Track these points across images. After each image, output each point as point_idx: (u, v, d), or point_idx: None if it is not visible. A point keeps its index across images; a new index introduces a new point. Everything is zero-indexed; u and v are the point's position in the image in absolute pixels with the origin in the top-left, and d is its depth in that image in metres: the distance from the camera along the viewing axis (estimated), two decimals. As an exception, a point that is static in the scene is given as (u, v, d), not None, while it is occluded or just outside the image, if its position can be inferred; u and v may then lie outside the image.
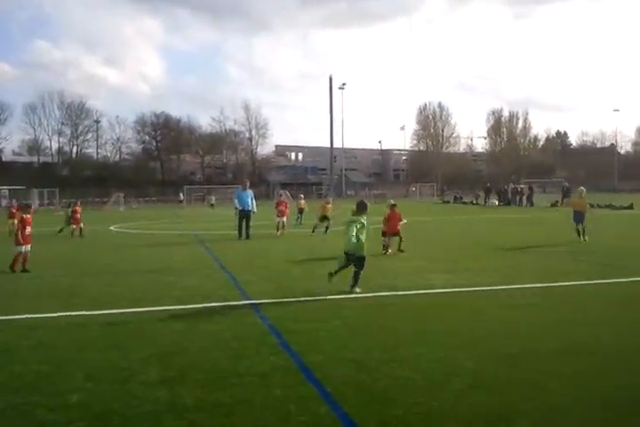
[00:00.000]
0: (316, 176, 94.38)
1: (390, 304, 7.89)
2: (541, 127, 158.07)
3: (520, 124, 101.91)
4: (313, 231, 19.55)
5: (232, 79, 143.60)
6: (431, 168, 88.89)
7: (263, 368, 5.08)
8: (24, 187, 58.48)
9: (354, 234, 8.69)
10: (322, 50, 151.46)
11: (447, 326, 6.62)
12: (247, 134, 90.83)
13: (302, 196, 27.67)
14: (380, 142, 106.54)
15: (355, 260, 8.78)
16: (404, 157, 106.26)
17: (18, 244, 11.54)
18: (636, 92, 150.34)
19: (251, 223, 18.68)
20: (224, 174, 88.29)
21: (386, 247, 13.56)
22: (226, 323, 6.88)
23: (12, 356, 5.75)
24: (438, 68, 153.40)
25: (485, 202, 47.38)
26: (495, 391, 4.48)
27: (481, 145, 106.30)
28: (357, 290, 8.58)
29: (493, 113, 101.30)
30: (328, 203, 20.86)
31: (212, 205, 53.79)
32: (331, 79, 79.44)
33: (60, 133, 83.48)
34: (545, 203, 42.07)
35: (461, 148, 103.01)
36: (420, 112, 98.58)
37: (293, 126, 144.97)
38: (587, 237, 15.22)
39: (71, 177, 76.10)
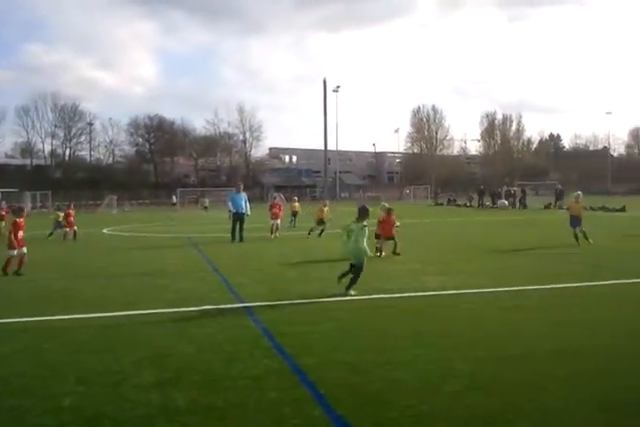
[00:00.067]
0: (310, 179, 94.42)
1: (384, 307, 7.88)
2: (535, 130, 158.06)
3: (513, 127, 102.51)
4: (309, 233, 19.55)
5: (227, 81, 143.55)
6: (425, 171, 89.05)
7: (257, 371, 5.05)
8: (17, 190, 58.21)
9: (361, 246, 8.76)
10: (317, 52, 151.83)
11: (442, 327, 6.62)
12: (241, 137, 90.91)
13: (296, 198, 27.63)
14: (374, 145, 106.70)
15: (356, 266, 8.82)
16: (397, 160, 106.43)
17: (11, 248, 11.46)
18: (629, 95, 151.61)
19: (244, 226, 18.66)
20: (218, 177, 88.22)
21: (379, 250, 13.58)
22: (219, 326, 6.85)
23: (3, 359, 5.71)
24: (432, 72, 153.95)
25: (479, 204, 47.48)
26: (491, 393, 4.46)
27: (474, 148, 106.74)
28: (352, 293, 8.57)
29: (487, 116, 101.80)
30: (325, 206, 20.85)
31: (205, 207, 53.70)
32: (325, 82, 79.54)
33: (53, 136, 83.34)
34: (538, 205, 42.24)
35: (455, 150, 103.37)
36: (414, 115, 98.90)
37: (288, 129, 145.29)
38: (590, 240, 15.10)
39: (64, 180, 75.84)
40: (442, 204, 56.12)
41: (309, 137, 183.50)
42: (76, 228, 20.87)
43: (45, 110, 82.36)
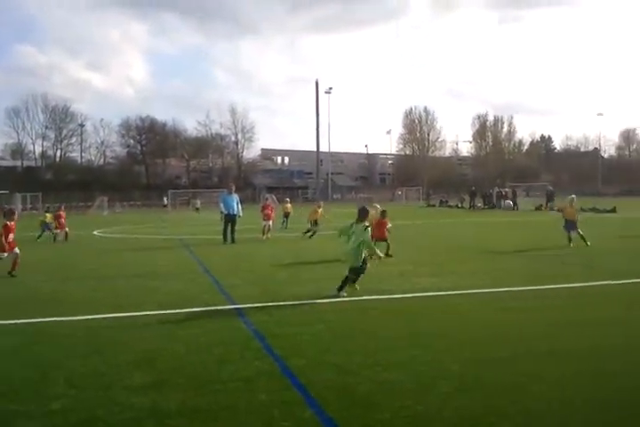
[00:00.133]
0: (303, 180, 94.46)
1: (375, 308, 7.87)
2: (526, 131, 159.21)
3: (505, 129, 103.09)
4: (308, 234, 19.55)
5: (219, 83, 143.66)
6: (417, 172, 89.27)
7: (247, 373, 5.04)
8: (7, 191, 57.88)
9: (360, 252, 8.79)
10: (310, 54, 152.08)
11: (433, 329, 6.62)
12: (233, 138, 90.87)
13: (288, 200, 27.65)
14: (366, 146, 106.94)
15: (355, 271, 8.85)
16: (390, 161, 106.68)
17: (1, 251, 11.39)
18: (620, 97, 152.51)
19: (236, 227, 18.63)
20: (210, 178, 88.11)
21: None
22: (210, 327, 6.83)
23: (-9, 362, 5.67)
24: (424, 73, 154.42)
25: (471, 206, 47.60)
26: (482, 395, 4.47)
27: (466, 149, 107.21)
28: (344, 294, 8.57)
29: (478, 117, 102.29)
30: (319, 207, 20.84)
31: (197, 209, 53.58)
32: (317, 83, 79.62)
33: (43, 137, 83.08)
34: (529, 206, 42.41)
35: (447, 152, 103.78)
36: (406, 116, 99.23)
37: (281, 131, 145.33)
38: (588, 242, 15.06)
39: (55, 181, 75.53)
40: (434, 205, 56.24)
41: (302, 139, 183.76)
42: (67, 229, 20.77)
43: (36, 111, 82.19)
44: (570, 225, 15.55)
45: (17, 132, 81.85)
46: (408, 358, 5.40)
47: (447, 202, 55.99)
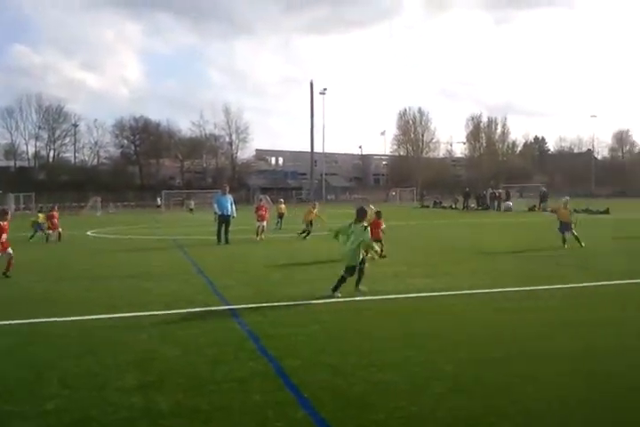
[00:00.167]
0: (297, 181, 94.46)
1: (370, 309, 7.88)
2: (520, 133, 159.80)
3: (499, 130, 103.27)
4: (304, 236, 19.54)
5: (214, 83, 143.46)
6: (411, 173, 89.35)
7: (242, 374, 5.04)
8: (0, 191, 57.64)
9: (358, 252, 8.86)
10: (305, 55, 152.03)
11: (427, 329, 6.64)
12: (227, 139, 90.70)
13: (282, 200, 27.66)
14: (360, 147, 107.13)
15: (352, 269, 8.87)
16: (384, 162, 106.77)
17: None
18: (614, 99, 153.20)
19: (230, 228, 18.61)
20: (204, 179, 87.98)
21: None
22: (204, 328, 6.82)
23: (-16, 363, 5.64)
24: (419, 74, 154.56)
25: (464, 207, 47.70)
26: (475, 395, 4.48)
27: (460, 150, 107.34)
28: (338, 295, 8.57)
29: (472, 119, 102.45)
30: (314, 208, 20.83)
31: (191, 209, 53.48)
32: (312, 84, 79.65)
33: (37, 138, 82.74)
34: (523, 207, 42.53)
35: (441, 153, 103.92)
36: (400, 117, 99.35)
37: (276, 131, 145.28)
38: (583, 243, 15.06)
39: (48, 181, 75.25)
40: (427, 206, 56.31)
41: (296, 139, 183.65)
42: (60, 229, 20.70)
43: (30, 112, 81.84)
44: (564, 227, 15.59)
45: (10, 133, 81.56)
46: (402, 359, 5.41)
47: (441, 203, 56.07)
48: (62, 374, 5.17)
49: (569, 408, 4.22)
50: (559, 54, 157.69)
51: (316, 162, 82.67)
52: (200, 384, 4.80)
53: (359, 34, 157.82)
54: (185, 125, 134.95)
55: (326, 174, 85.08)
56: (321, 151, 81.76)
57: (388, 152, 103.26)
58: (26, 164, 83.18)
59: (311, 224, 19.96)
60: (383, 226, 14.36)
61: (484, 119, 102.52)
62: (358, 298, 8.50)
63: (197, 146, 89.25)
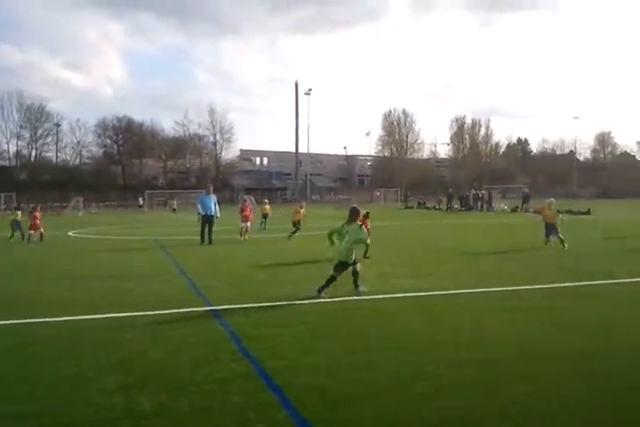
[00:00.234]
0: (281, 181, 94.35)
1: (355, 309, 7.86)
2: (503, 134, 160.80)
3: (482, 132, 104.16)
4: (290, 237, 19.48)
5: (199, 83, 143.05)
6: (395, 174, 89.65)
7: (223, 375, 4.99)
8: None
9: (352, 250, 8.90)
10: (290, 55, 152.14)
11: (412, 329, 6.63)
12: (211, 138, 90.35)
13: (267, 201, 27.58)
14: (345, 148, 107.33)
15: (346, 266, 8.84)
16: (368, 163, 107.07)
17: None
18: (596, 100, 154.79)
19: (214, 228, 18.51)
20: (187, 179, 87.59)
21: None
22: (186, 329, 6.76)
23: (-40, 365, 5.54)
24: (404, 75, 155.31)
25: (448, 207, 47.91)
26: (459, 395, 4.47)
27: (444, 151, 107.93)
28: (324, 295, 8.53)
29: (456, 120, 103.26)
30: (301, 208, 20.76)
31: (174, 209, 53.21)
32: (296, 85, 79.67)
33: (18, 137, 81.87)
34: (505, 208, 42.81)
35: (425, 154, 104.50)
36: (385, 118, 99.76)
37: (261, 132, 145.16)
38: (566, 245, 14.96)
39: (29, 181, 74.49)
40: (411, 207, 56.51)
41: (282, 139, 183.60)
42: (42, 230, 20.46)
43: (11, 110, 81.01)
44: (550, 229, 15.59)
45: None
46: (387, 359, 5.39)
47: (425, 203, 56.32)
48: (42, 375, 5.09)
49: (552, 407, 4.22)
50: (542, 57, 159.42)
51: (300, 162, 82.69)
52: (181, 386, 4.75)
53: (345, 34, 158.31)
54: (169, 125, 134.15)
55: (311, 175, 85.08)
56: (306, 152, 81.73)
57: (372, 153, 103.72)
58: (7, 163, 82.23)
59: (299, 224, 19.91)
60: (368, 226, 14.35)
61: (468, 121, 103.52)
62: (343, 298, 8.47)
63: (181, 146, 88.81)
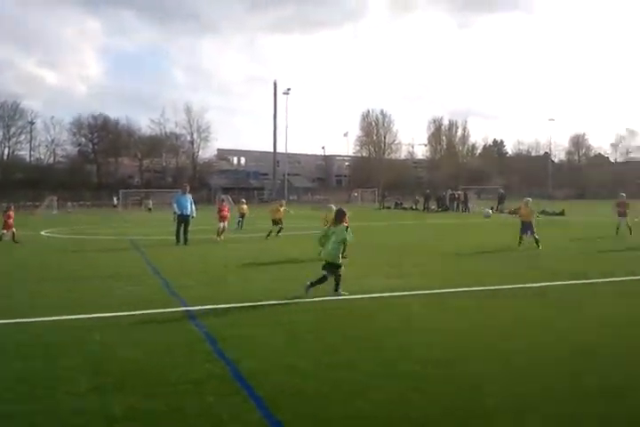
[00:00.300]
0: (259, 181, 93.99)
1: (331, 309, 7.86)
2: (479, 135, 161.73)
3: (459, 133, 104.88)
4: (277, 234, 19.39)
5: (177, 82, 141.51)
6: (373, 174, 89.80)
7: (197, 376, 4.94)
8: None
9: (339, 251, 8.89)
10: (269, 54, 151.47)
11: (387, 329, 6.64)
12: (189, 137, 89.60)
13: (244, 200, 27.47)
14: (323, 148, 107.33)
15: (334, 267, 8.79)
16: (346, 163, 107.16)
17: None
18: (571, 103, 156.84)
19: (190, 228, 18.36)
20: (163, 178, 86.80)
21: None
22: (159, 330, 6.69)
23: None
24: (382, 76, 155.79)
25: (425, 208, 48.19)
26: (434, 394, 4.49)
27: (421, 152, 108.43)
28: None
29: (434, 121, 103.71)
30: (281, 206, 20.69)
31: (149, 209, 52.76)
32: (275, 84, 79.47)
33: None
34: (481, 209, 43.15)
35: (403, 154, 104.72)
36: (363, 119, 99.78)
37: (240, 131, 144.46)
38: (540, 246, 15.13)
39: (2, 180, 73.16)
40: (389, 207, 56.73)
41: (259, 139, 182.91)
42: (14, 229, 20.09)
43: (-17, 108, 79.33)
44: (526, 227, 15.78)
45: (-38, 130, 79.01)
46: (363, 359, 5.39)
47: (402, 204, 56.59)
48: (12, 377, 4.99)
49: (530, 403, 4.26)
50: (518, 59, 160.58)
51: (278, 162, 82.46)
52: (154, 387, 4.69)
53: (324, 34, 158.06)
54: (145, 124, 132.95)
55: (289, 175, 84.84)
56: (284, 151, 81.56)
57: (350, 153, 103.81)
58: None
59: (281, 222, 19.87)
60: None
61: (445, 122, 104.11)
62: (322, 298, 8.44)
63: (157, 144, 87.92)
